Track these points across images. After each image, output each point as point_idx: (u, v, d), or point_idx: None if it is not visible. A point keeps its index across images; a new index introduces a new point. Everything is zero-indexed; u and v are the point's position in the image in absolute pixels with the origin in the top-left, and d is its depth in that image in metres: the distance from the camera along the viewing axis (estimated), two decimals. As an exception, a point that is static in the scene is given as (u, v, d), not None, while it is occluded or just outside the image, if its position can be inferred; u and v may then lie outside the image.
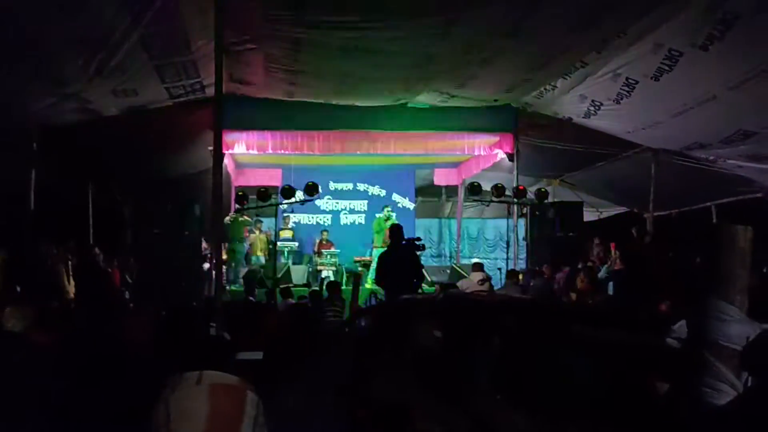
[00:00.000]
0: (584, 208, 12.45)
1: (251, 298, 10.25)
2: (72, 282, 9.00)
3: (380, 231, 12.63)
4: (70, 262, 9.19)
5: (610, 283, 9.66)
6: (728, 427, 2.32)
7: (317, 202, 13.96)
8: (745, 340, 2.47)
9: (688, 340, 2.66)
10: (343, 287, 11.09)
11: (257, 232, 13.38)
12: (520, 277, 10.96)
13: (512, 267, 11.11)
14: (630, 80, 8.07)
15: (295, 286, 11.79)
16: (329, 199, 15.20)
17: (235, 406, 2.18)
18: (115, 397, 2.57)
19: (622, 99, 8.53)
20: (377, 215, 13.69)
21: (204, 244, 11.38)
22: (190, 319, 4.85)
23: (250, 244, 13.24)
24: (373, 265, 10.88)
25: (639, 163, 10.67)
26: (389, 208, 13.43)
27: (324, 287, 9.17)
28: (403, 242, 8.05)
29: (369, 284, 11.38)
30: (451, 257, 17.20)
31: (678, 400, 2.56)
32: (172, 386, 2.16)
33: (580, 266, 9.58)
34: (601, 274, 9.90)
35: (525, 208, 11.98)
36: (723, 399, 2.41)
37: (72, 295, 8.81)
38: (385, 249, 8.96)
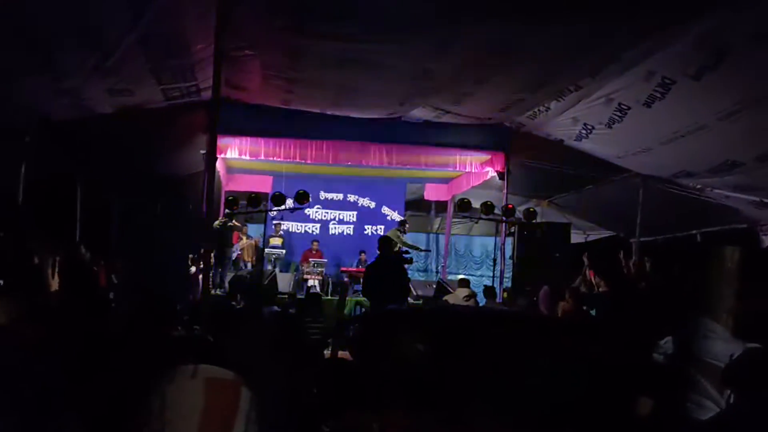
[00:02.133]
0: (572, 230, 12.53)
1: (234, 303, 10.22)
2: (56, 278, 8.92)
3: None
4: (56, 258, 9.12)
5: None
6: None
7: (307, 211, 13.97)
8: (729, 357, 2.54)
9: (674, 356, 2.71)
10: (327, 297, 11.13)
11: (244, 238, 13.37)
12: (505, 295, 11.02)
13: (499, 285, 11.14)
14: (623, 105, 8.16)
15: (281, 293, 11.78)
16: (319, 208, 15.21)
17: (230, 401, 2.17)
18: (104, 390, 2.57)
19: (614, 124, 8.62)
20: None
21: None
22: (170, 321, 4.84)
23: (241, 249, 13.23)
24: None
25: (627, 188, 10.77)
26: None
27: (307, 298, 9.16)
28: (390, 254, 8.09)
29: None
30: (437, 272, 17.23)
31: (662, 415, 2.59)
32: (167, 378, 2.15)
33: (562, 286, 9.62)
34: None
35: (513, 227, 12.05)
36: (706, 415, 2.46)
37: (55, 291, 8.74)
38: (373, 261, 8.98)
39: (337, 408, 2.57)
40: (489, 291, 9.90)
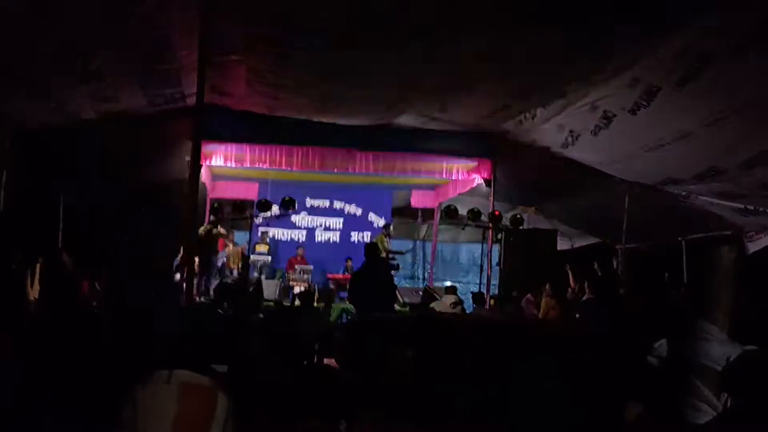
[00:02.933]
0: (558, 237, 12.56)
1: (220, 310, 10.12)
2: (36, 287, 8.80)
3: None
4: (37, 267, 9.00)
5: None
6: None
7: (293, 217, 13.91)
8: (725, 360, 2.48)
9: (668, 359, 2.67)
10: (315, 304, 11.06)
11: (231, 245, 13.28)
12: (492, 302, 11.02)
13: (486, 292, 11.14)
14: (608, 113, 8.19)
15: (266, 300, 11.70)
16: (305, 215, 15.14)
17: (205, 407, 2.13)
18: (77, 398, 2.52)
19: (599, 131, 8.65)
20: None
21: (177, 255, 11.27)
22: (154, 330, 4.78)
23: (227, 257, 13.14)
24: None
25: (613, 195, 10.81)
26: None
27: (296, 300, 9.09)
28: (377, 261, 8.05)
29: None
30: (424, 279, 17.20)
31: (655, 419, 2.57)
32: (141, 383, 2.11)
33: (546, 290, 9.66)
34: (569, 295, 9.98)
35: (500, 234, 12.06)
36: (703, 418, 2.41)
37: (34, 300, 8.62)
38: (359, 268, 8.95)
39: (306, 412, 2.53)
40: (478, 297, 9.89)
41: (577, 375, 2.85)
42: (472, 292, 11.18)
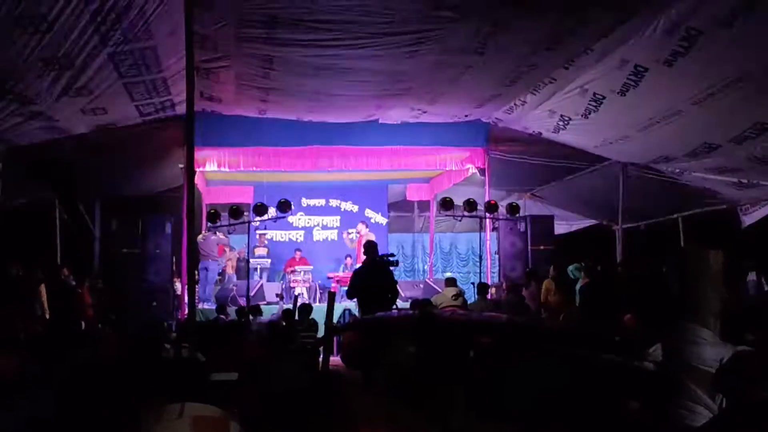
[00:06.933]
0: (555, 222, 12.59)
1: (222, 317, 10.14)
2: (40, 304, 8.82)
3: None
4: (42, 284, 9.01)
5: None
6: None
7: (290, 218, 13.88)
8: (719, 362, 2.54)
9: (663, 363, 2.71)
10: (316, 304, 11.06)
11: (227, 250, 13.27)
12: (493, 290, 11.03)
13: (484, 281, 11.16)
14: (597, 95, 8.21)
15: (268, 303, 11.71)
16: (302, 215, 15.13)
17: None
18: (86, 423, 2.51)
19: (590, 114, 8.67)
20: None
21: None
22: (157, 339, 4.78)
23: (226, 262, 13.14)
24: None
25: (607, 176, 10.85)
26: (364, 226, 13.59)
27: (296, 308, 9.09)
28: (377, 258, 8.05)
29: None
30: (424, 272, 17.22)
31: (652, 421, 2.59)
32: (152, 419, 2.11)
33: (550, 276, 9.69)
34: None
35: (497, 222, 12.08)
36: (699, 421, 2.45)
37: (38, 318, 8.63)
38: (360, 265, 8.95)
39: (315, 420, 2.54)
40: (482, 288, 9.88)
41: (578, 371, 2.87)
42: (472, 283, 11.19)
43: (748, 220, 10.72)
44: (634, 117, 8.41)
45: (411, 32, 6.75)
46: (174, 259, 11.71)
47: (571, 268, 9.76)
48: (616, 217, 11.39)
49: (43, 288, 8.88)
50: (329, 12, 6.28)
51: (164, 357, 4.11)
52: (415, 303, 9.17)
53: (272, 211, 11.59)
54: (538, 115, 9.56)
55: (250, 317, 9.38)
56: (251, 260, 12.40)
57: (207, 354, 4.67)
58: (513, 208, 11.64)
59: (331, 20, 6.44)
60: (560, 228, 14.31)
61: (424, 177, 14.80)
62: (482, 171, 11.81)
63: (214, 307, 11.07)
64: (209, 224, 11.48)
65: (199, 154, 10.69)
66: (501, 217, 11.80)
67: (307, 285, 12.83)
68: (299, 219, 15.10)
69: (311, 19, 6.41)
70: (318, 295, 12.81)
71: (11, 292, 8.38)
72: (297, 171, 12.26)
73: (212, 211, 11.31)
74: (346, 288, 8.62)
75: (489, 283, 11.00)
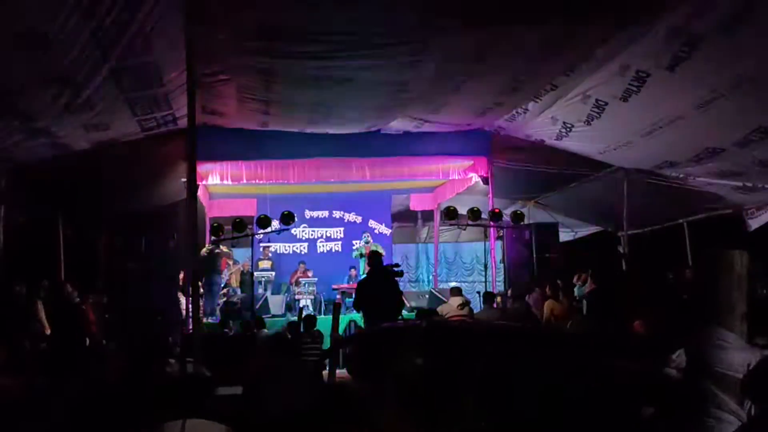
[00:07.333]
0: (559, 229, 12.54)
1: (227, 330, 10.10)
2: (44, 322, 8.78)
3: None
4: (39, 300, 8.98)
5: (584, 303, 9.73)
6: None
7: (293, 230, 13.86)
8: (746, 367, 2.40)
9: (687, 369, 2.59)
10: (321, 316, 11.00)
11: (231, 263, 13.23)
12: (499, 299, 10.96)
13: (490, 290, 11.10)
14: (599, 102, 8.19)
15: (273, 316, 11.65)
16: (305, 227, 15.10)
17: None
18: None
19: (592, 120, 8.64)
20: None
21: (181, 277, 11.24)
22: (163, 357, 4.74)
23: (230, 275, 13.09)
24: None
25: (611, 183, 10.80)
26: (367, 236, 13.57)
27: (301, 320, 9.04)
28: (382, 268, 8.02)
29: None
30: (429, 282, 17.15)
31: (665, 428, 2.52)
32: None
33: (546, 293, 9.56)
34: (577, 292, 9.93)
35: (501, 231, 12.03)
36: (727, 429, 2.33)
37: (43, 336, 8.60)
38: (364, 276, 8.91)
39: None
40: (488, 297, 9.80)
41: (589, 378, 2.81)
42: (478, 292, 11.11)
43: (754, 223, 10.66)
44: (636, 123, 8.38)
45: (411, 42, 6.74)
46: (179, 275, 11.68)
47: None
48: (621, 224, 11.33)
49: (39, 304, 8.84)
50: (329, 23, 6.28)
51: (169, 372, 4.07)
52: (422, 313, 9.11)
53: (276, 224, 11.57)
54: (540, 122, 9.54)
55: (255, 330, 9.32)
56: (255, 273, 12.37)
57: (212, 368, 4.63)
58: (517, 216, 11.59)
59: (332, 31, 6.44)
60: (565, 235, 14.26)
61: (428, 187, 14.76)
62: (485, 179, 11.77)
63: (218, 320, 11.02)
64: (212, 237, 11.46)
65: (202, 168, 10.69)
66: (505, 225, 11.75)
67: (312, 297, 12.79)
68: (303, 231, 15.07)
69: (312, 30, 6.41)
70: (323, 306, 12.75)
71: (14, 310, 8.35)
72: (300, 183, 12.23)
73: (215, 224, 11.30)
74: (351, 299, 8.59)
75: (494, 291, 10.93)
